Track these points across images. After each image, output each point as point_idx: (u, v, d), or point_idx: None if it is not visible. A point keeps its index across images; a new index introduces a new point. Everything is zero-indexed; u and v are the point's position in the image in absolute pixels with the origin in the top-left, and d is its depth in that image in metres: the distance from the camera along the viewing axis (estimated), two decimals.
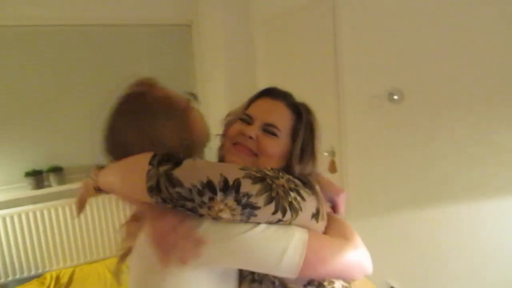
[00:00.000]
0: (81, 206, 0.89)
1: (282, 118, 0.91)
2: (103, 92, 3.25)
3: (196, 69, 3.63)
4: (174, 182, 0.67)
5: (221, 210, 0.69)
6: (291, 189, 0.75)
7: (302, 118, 0.92)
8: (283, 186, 0.74)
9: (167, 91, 0.87)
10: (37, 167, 3.04)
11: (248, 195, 0.69)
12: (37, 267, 3.01)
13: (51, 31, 3.06)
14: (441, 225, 1.94)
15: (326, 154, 2.60)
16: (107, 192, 0.83)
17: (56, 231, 3.05)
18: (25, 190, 2.98)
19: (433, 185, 1.95)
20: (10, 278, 2.93)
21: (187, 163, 0.71)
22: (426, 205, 2.00)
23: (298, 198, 0.76)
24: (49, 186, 3.06)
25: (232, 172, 0.70)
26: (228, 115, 1.03)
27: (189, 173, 0.68)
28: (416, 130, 1.99)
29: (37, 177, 2.99)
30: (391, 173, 2.20)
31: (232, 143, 0.91)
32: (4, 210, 2.88)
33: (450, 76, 1.78)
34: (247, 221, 0.71)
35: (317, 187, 0.88)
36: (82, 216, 3.11)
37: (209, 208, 0.68)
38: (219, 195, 0.68)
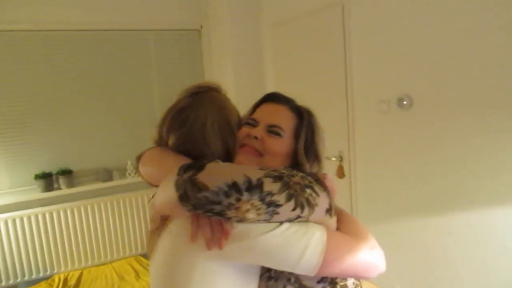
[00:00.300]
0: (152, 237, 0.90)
1: (285, 120, 0.95)
2: (113, 96, 3.30)
3: (205, 74, 3.65)
4: (199, 186, 0.69)
5: (247, 210, 0.70)
6: (306, 186, 0.78)
7: (304, 119, 0.96)
8: (299, 183, 0.77)
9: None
10: (47, 170, 3.08)
11: (271, 194, 0.71)
12: (45, 269, 3.03)
13: (62, 36, 3.11)
14: (449, 232, 1.92)
15: (334, 159, 2.59)
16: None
17: (64, 233, 3.07)
18: (35, 192, 3.02)
19: (441, 192, 1.93)
20: (19, 279, 2.96)
21: (209, 166, 0.73)
22: (434, 212, 1.98)
23: (314, 194, 0.78)
24: (59, 188, 3.09)
25: (254, 172, 0.73)
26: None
27: (214, 176, 0.70)
28: (425, 136, 1.98)
29: (46, 179, 3.02)
30: (399, 178, 2.18)
31: (239, 145, 0.95)
32: (13, 212, 2.91)
33: (459, 83, 1.77)
34: (270, 219, 0.73)
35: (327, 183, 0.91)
36: (90, 219, 3.15)
37: (237, 209, 0.70)
38: (245, 195, 0.69)
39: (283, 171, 0.78)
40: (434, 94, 1.90)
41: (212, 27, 3.54)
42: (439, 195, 1.95)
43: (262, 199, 0.70)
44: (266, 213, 0.72)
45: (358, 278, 0.91)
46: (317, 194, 0.79)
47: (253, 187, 0.70)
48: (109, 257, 3.24)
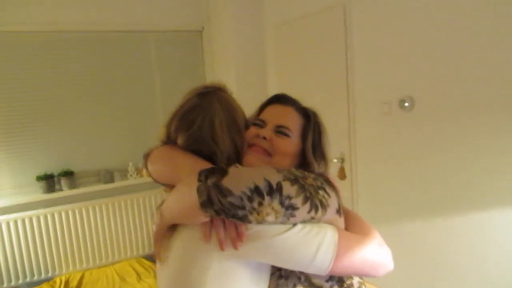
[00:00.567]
0: (158, 243, 0.89)
1: (293, 121, 0.97)
2: (114, 98, 3.30)
3: (207, 75, 3.66)
4: (225, 192, 0.70)
5: (268, 214, 0.72)
6: (319, 187, 0.79)
7: (311, 120, 0.98)
8: (312, 185, 0.78)
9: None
10: (49, 171, 3.08)
11: (289, 197, 0.73)
12: (47, 271, 3.04)
13: (64, 37, 3.11)
14: (451, 234, 1.92)
15: (335, 160, 2.58)
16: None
17: (66, 235, 3.08)
18: (37, 194, 3.02)
19: (443, 193, 1.92)
20: (21, 281, 2.96)
21: (232, 171, 0.74)
22: (436, 214, 1.98)
23: (326, 196, 0.79)
24: (60, 190, 3.09)
25: (273, 176, 0.74)
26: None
27: (237, 181, 0.71)
28: (427, 138, 1.97)
29: (48, 181, 3.03)
30: (400, 180, 2.18)
31: (248, 145, 0.97)
32: (15, 214, 2.92)
33: (461, 84, 1.77)
34: (286, 222, 0.75)
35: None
36: (91, 220, 3.15)
37: (258, 213, 0.72)
38: (267, 199, 0.71)
39: (297, 173, 0.79)
40: (435, 95, 1.90)
41: (213, 28, 3.54)
42: (440, 197, 1.94)
43: (281, 203, 0.72)
44: (284, 216, 0.73)
45: (367, 276, 0.92)
46: (329, 195, 0.80)
47: (274, 191, 0.72)
48: (110, 258, 3.24)
